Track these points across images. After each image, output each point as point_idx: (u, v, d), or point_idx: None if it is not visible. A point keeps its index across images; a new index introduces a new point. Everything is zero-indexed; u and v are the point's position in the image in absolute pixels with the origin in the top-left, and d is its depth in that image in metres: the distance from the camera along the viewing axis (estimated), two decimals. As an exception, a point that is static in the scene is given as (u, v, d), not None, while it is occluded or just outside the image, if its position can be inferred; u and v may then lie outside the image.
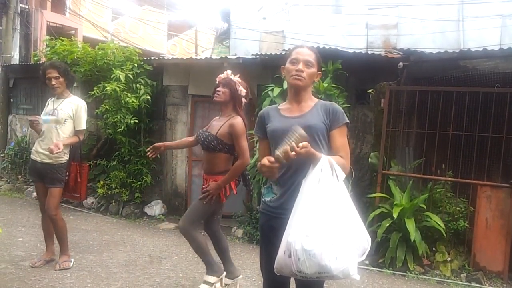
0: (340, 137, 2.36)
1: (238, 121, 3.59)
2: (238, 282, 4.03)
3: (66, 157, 4.34)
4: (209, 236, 3.96)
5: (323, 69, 5.30)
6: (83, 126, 4.41)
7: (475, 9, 10.40)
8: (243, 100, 3.75)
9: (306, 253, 2.01)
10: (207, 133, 3.67)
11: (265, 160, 2.16)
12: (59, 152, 4.07)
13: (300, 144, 2.06)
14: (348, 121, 2.41)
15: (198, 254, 3.79)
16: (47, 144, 4.19)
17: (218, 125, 3.69)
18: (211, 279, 3.75)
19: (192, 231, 3.67)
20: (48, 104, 4.47)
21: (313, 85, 2.55)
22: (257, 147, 2.80)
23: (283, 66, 2.47)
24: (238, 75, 3.79)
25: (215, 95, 3.71)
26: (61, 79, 4.33)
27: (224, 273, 3.90)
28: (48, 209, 4.26)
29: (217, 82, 3.76)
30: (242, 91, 3.72)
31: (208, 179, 3.69)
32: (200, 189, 3.81)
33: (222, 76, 3.75)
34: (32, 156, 4.40)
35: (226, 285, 3.92)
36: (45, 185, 4.31)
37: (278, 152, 2.11)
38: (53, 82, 4.29)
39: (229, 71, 3.77)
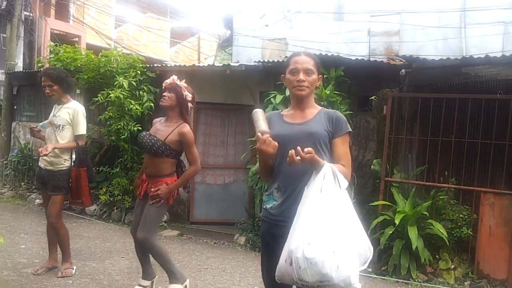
0: (343, 146, 2.36)
1: (188, 129, 3.67)
2: (154, 283, 3.98)
3: (67, 164, 4.28)
4: (134, 238, 3.87)
5: (325, 76, 5.35)
6: (81, 131, 4.32)
7: (477, 16, 10.43)
8: (189, 105, 3.79)
9: (307, 261, 2.00)
10: (154, 139, 3.67)
11: (259, 143, 2.23)
12: (47, 154, 3.98)
13: (306, 150, 2.07)
14: (351, 130, 2.41)
15: (159, 262, 3.74)
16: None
17: (166, 130, 3.71)
18: (176, 287, 3.74)
19: (152, 239, 3.67)
20: (53, 109, 4.49)
21: (315, 91, 2.55)
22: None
23: (283, 75, 2.47)
24: (184, 80, 3.83)
25: (161, 99, 3.75)
26: (55, 87, 4.26)
27: (188, 280, 3.88)
28: (49, 216, 4.26)
29: (163, 87, 3.80)
30: (188, 95, 3.76)
31: (152, 182, 3.69)
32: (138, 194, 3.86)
33: (168, 81, 3.78)
34: (39, 163, 4.40)
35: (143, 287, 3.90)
36: (48, 192, 4.31)
37: (259, 130, 2.25)
38: (47, 90, 4.27)
39: (174, 77, 3.80)
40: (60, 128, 4.25)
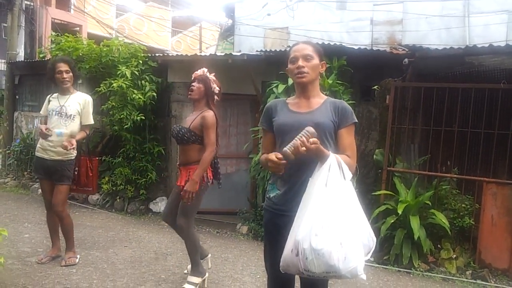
0: (348, 136, 2.36)
1: (210, 113, 3.81)
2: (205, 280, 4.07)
3: (75, 153, 4.37)
4: (172, 227, 4.05)
5: (328, 65, 5.31)
6: (91, 121, 4.48)
7: (481, 5, 10.35)
8: (216, 97, 3.96)
9: (315, 252, 2.00)
10: (179, 127, 3.88)
11: (273, 156, 2.16)
12: (73, 148, 4.15)
13: (311, 140, 2.07)
14: (356, 120, 2.40)
15: (190, 252, 3.90)
16: (56, 141, 4.21)
17: (191, 118, 3.90)
18: (196, 279, 3.88)
19: (189, 228, 3.86)
20: (50, 100, 4.45)
21: (319, 78, 2.53)
22: (261, 141, 2.87)
23: (287, 68, 2.47)
24: (213, 74, 4.01)
25: (190, 92, 3.91)
26: (71, 74, 4.39)
27: (207, 274, 4.04)
28: (55, 205, 4.28)
29: (192, 77, 3.96)
30: (216, 88, 3.94)
31: (184, 170, 3.86)
32: (176, 184, 4.01)
33: (198, 72, 3.96)
34: (38, 154, 4.38)
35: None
36: (53, 182, 4.32)
37: (287, 148, 2.10)
38: (65, 76, 4.32)
39: (205, 69, 3.98)
40: (71, 118, 4.32)
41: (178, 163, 4.04)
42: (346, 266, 2.00)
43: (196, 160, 3.79)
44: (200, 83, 3.88)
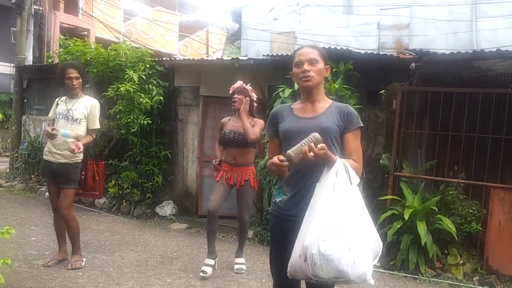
0: (354, 141, 2.35)
1: (262, 121, 4.46)
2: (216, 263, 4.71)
3: (81, 156, 4.39)
4: (210, 216, 4.50)
5: (334, 70, 5.31)
6: (97, 125, 4.51)
7: (489, 9, 10.31)
8: (255, 104, 4.55)
9: (323, 258, 1.99)
10: (243, 133, 4.33)
11: (275, 159, 2.15)
12: (80, 152, 4.18)
13: (319, 146, 2.06)
14: (362, 124, 2.39)
15: (245, 235, 4.81)
16: (62, 145, 4.24)
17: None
18: (243, 260, 4.72)
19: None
20: (58, 103, 4.49)
21: (325, 82, 2.53)
22: (267, 147, 2.95)
23: (291, 72, 2.46)
24: (249, 84, 4.57)
25: (234, 103, 4.42)
26: (80, 80, 4.42)
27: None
28: (61, 208, 4.30)
29: (231, 91, 4.50)
30: (254, 96, 4.54)
31: (240, 170, 4.42)
32: (226, 183, 4.49)
33: (235, 86, 4.50)
34: (45, 157, 4.42)
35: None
36: (59, 185, 4.34)
37: (290, 151, 2.10)
38: (74, 83, 4.35)
39: (240, 82, 4.53)
40: (78, 121, 4.35)
41: (230, 164, 4.45)
42: (355, 271, 1.99)
43: (252, 161, 4.55)
44: (241, 94, 4.41)
